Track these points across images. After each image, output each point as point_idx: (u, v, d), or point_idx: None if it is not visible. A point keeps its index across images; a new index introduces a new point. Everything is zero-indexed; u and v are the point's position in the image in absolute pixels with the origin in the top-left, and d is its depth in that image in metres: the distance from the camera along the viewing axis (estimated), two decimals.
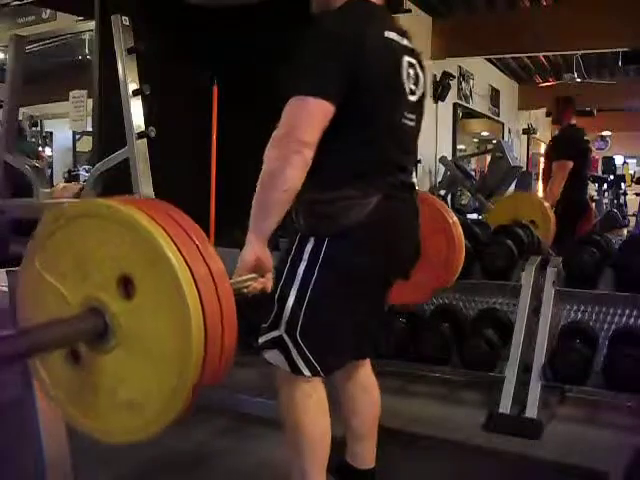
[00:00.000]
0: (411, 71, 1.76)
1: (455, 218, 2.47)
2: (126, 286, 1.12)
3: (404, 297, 2.32)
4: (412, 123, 1.79)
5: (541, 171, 4.49)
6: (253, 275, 1.58)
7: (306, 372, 1.69)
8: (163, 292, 1.08)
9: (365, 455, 2.05)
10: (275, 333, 1.70)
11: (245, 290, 1.55)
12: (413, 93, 1.77)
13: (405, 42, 1.77)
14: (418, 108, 1.81)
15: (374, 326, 1.93)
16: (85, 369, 1.18)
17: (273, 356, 1.71)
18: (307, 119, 1.56)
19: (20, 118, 4.30)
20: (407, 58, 1.75)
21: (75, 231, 1.18)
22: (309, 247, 1.67)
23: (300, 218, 1.69)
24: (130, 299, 1.12)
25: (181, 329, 1.06)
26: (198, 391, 1.09)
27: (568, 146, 4.54)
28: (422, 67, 1.83)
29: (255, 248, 1.58)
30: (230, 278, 1.32)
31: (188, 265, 1.08)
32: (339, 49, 1.61)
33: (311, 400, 1.74)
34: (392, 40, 1.71)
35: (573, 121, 4.70)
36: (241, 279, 1.55)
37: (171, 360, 1.08)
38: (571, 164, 4.39)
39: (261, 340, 1.73)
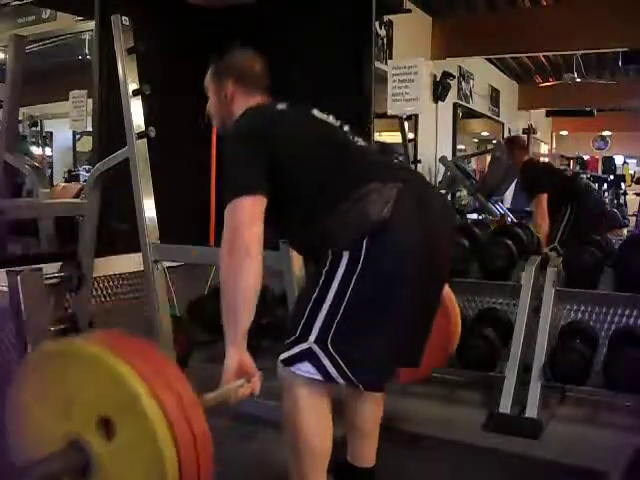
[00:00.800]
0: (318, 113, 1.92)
1: (451, 294, 2.49)
2: (107, 426, 1.14)
3: (403, 376, 2.35)
4: (353, 138, 1.89)
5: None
6: (240, 382, 1.59)
7: (340, 380, 1.67)
8: (140, 439, 1.11)
9: (366, 454, 2.06)
10: (304, 345, 1.67)
11: (235, 398, 1.57)
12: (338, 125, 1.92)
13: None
14: (348, 131, 1.93)
15: (419, 335, 1.86)
16: None
17: (302, 367, 1.67)
18: (242, 219, 1.65)
19: (20, 118, 4.29)
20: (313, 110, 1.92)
21: (58, 368, 1.22)
22: (345, 259, 1.65)
23: (332, 239, 1.67)
24: (111, 440, 1.14)
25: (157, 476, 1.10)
26: None
27: (534, 182, 4.53)
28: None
29: (235, 356, 1.61)
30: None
31: (165, 414, 1.11)
32: (249, 144, 1.75)
33: (314, 404, 1.73)
34: (287, 107, 1.90)
35: (525, 157, 4.79)
36: (228, 388, 1.57)
37: None
38: (545, 196, 4.38)
39: (287, 354, 1.70)
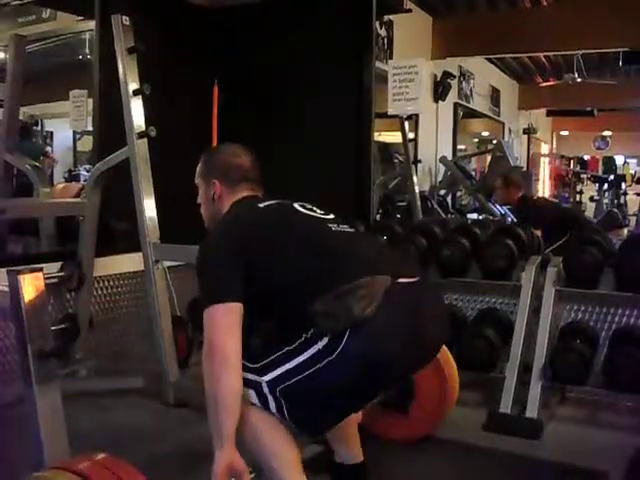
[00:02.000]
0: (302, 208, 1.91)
1: (448, 352, 2.52)
2: None
3: (403, 432, 2.52)
4: (339, 227, 1.88)
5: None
6: None
7: (277, 416, 1.71)
8: None
9: (352, 452, 2.09)
10: (257, 378, 1.71)
11: None
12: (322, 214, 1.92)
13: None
14: (334, 219, 1.92)
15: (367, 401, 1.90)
16: None
17: (249, 394, 1.71)
18: (219, 329, 1.68)
19: (20, 117, 4.29)
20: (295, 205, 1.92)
21: None
22: (324, 342, 1.64)
23: (314, 324, 1.66)
24: None
25: None
26: None
27: (528, 220, 4.54)
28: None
29: (224, 455, 1.64)
30: None
31: None
32: (224, 249, 1.78)
33: (267, 424, 1.73)
34: (268, 205, 1.91)
35: (520, 194, 4.81)
36: None
37: None
38: (538, 232, 4.39)
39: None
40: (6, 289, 1.82)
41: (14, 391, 2.79)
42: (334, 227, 1.87)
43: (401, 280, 1.72)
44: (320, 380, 1.65)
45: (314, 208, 1.94)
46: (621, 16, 5.61)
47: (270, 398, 1.70)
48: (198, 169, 2.12)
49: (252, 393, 1.71)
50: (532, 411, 2.83)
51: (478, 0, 6.39)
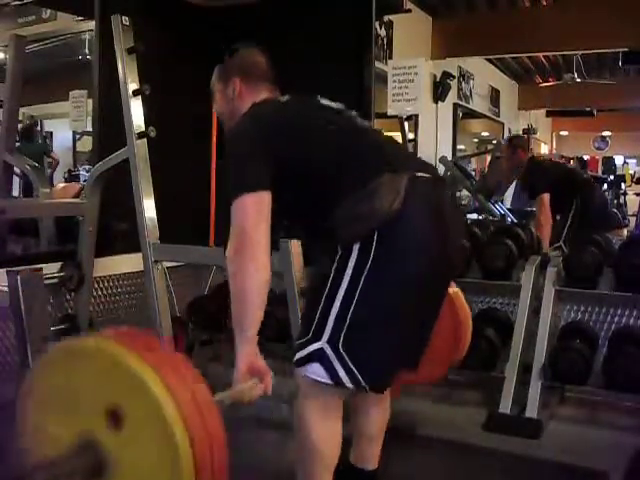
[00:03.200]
0: (325, 101, 1.91)
1: (456, 287, 2.48)
2: (115, 417, 1.13)
3: (417, 376, 2.37)
4: (365, 125, 1.89)
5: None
6: (252, 382, 1.58)
7: (349, 384, 1.65)
8: (149, 421, 1.09)
9: (370, 457, 2.05)
10: (316, 345, 1.65)
11: (248, 398, 1.55)
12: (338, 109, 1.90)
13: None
14: (356, 116, 1.91)
15: (423, 336, 1.85)
16: None
17: (314, 370, 1.65)
18: (250, 214, 1.64)
19: (20, 118, 4.29)
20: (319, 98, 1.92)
21: (63, 367, 1.21)
22: (354, 255, 1.62)
23: (341, 234, 1.65)
24: (119, 430, 1.12)
25: (171, 463, 1.07)
26: None
27: (536, 182, 4.54)
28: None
29: (246, 356, 1.61)
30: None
31: (172, 395, 1.09)
32: (252, 140, 1.74)
33: (325, 410, 1.72)
34: (292, 99, 1.92)
35: (526, 155, 4.77)
36: (240, 389, 1.56)
37: None
38: (547, 196, 4.38)
39: (300, 355, 1.68)
40: (6, 289, 1.83)
41: (14, 391, 2.79)
42: (358, 121, 1.86)
43: (419, 175, 1.71)
44: (367, 304, 1.61)
45: (337, 103, 1.92)
46: (621, 16, 5.61)
47: (336, 362, 1.62)
48: (214, 75, 2.07)
49: (317, 367, 1.64)
50: (532, 411, 2.83)
51: (478, 0, 6.40)
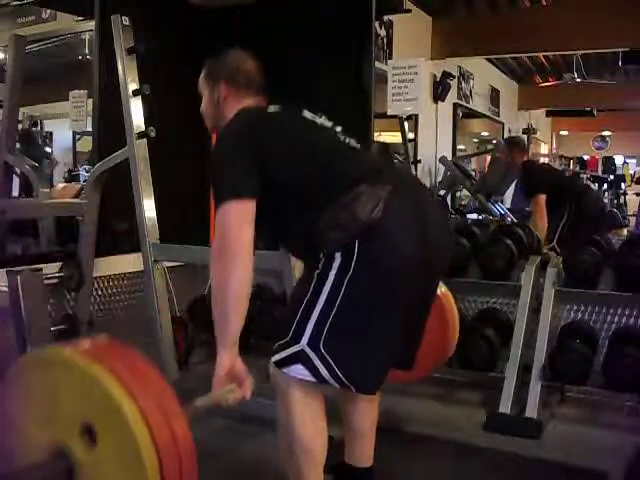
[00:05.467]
0: (310, 115, 1.92)
1: (450, 296, 2.49)
2: (90, 433, 1.15)
3: (402, 375, 2.39)
4: (346, 140, 1.89)
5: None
6: (231, 386, 1.60)
7: (333, 383, 1.67)
8: (121, 445, 1.12)
9: (363, 454, 2.06)
10: (296, 347, 1.66)
11: (226, 402, 1.57)
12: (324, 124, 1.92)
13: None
14: (340, 132, 1.92)
15: (413, 337, 1.87)
16: None
17: (297, 370, 1.67)
18: (233, 219, 1.66)
19: (20, 118, 4.29)
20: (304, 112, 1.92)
21: (43, 376, 1.22)
22: (337, 261, 1.64)
23: (323, 241, 1.66)
24: (94, 447, 1.15)
25: None
26: None
27: (533, 183, 4.56)
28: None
29: (226, 360, 1.62)
30: None
31: (145, 420, 1.12)
32: (238, 146, 1.75)
33: (309, 405, 1.74)
34: (277, 109, 1.91)
35: (524, 158, 4.81)
36: (218, 393, 1.58)
37: None
38: (544, 196, 4.40)
39: (279, 357, 1.70)
40: (6, 289, 1.83)
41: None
42: (341, 137, 1.88)
43: (400, 183, 1.73)
44: (350, 308, 1.63)
45: (322, 117, 1.94)
46: (620, 16, 5.61)
47: (318, 361, 1.64)
48: (202, 75, 2.09)
49: (301, 368, 1.66)
50: (532, 411, 2.83)
51: (478, 0, 6.39)
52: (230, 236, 1.64)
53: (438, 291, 2.28)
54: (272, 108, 1.93)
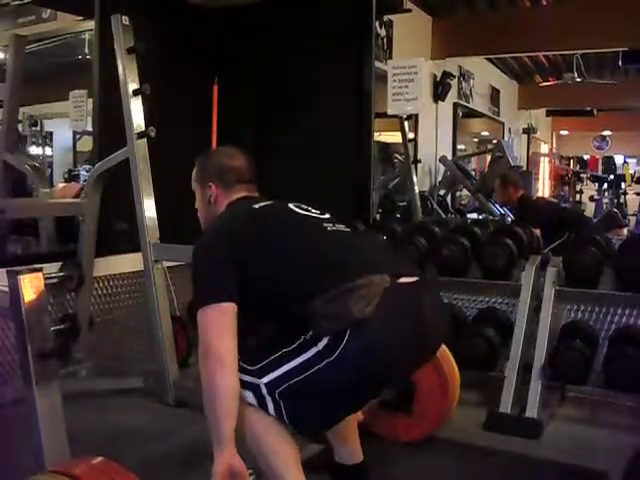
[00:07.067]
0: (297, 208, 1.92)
1: (443, 346, 2.49)
2: None
3: (409, 433, 2.52)
4: (335, 227, 1.90)
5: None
6: None
7: (274, 415, 1.71)
8: None
9: (350, 453, 2.09)
10: (255, 380, 1.71)
11: None
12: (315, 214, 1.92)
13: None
14: (330, 220, 1.93)
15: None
16: None
17: (246, 395, 1.71)
18: (212, 329, 1.70)
19: (20, 118, 4.29)
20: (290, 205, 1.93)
21: None
22: (324, 342, 1.63)
23: (312, 324, 1.64)
24: None
25: None
26: None
27: (527, 219, 4.56)
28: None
29: (223, 458, 1.63)
30: None
31: None
32: (218, 249, 1.77)
33: (268, 424, 1.74)
34: (263, 206, 1.91)
35: (519, 193, 4.80)
36: None
37: None
38: (537, 231, 4.41)
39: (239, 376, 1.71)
40: (6, 289, 1.82)
41: (14, 391, 2.79)
42: (330, 227, 1.88)
43: (401, 280, 1.72)
44: (320, 382, 1.65)
45: (309, 208, 1.94)
46: (621, 16, 5.60)
47: (269, 399, 1.70)
48: (194, 174, 2.12)
49: (250, 395, 1.71)
50: (532, 411, 2.83)
51: (478, 0, 6.39)
52: (211, 346, 1.68)
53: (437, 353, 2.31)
54: (259, 204, 1.92)
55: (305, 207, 1.94)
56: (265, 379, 1.70)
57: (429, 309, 1.76)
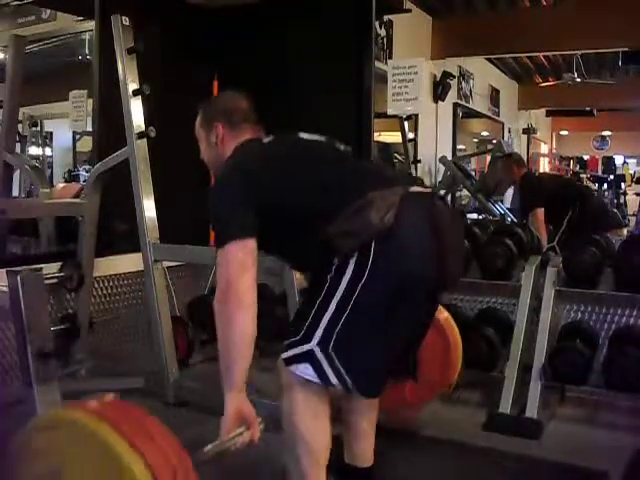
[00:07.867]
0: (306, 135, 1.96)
1: (446, 313, 2.51)
2: None
3: (405, 400, 2.45)
4: (343, 149, 1.94)
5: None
6: (240, 430, 1.60)
7: (338, 386, 1.68)
8: None
9: (364, 454, 2.07)
10: (306, 347, 1.67)
11: (234, 447, 1.58)
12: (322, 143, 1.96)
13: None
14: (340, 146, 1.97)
15: (413, 346, 1.91)
16: None
17: (303, 369, 1.68)
18: (233, 265, 1.67)
19: (20, 118, 4.29)
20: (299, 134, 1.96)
21: (48, 441, 1.22)
22: (351, 267, 1.64)
23: (336, 248, 1.66)
24: None
25: None
26: None
27: (530, 197, 4.62)
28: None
29: (234, 403, 1.63)
30: None
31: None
32: (233, 184, 1.77)
33: (312, 405, 1.74)
34: (273, 139, 1.95)
35: (522, 171, 4.85)
36: (228, 437, 1.58)
37: None
38: (541, 210, 4.42)
39: (288, 354, 1.71)
40: (6, 289, 1.83)
41: (14, 391, 2.78)
42: (341, 148, 1.93)
43: (414, 189, 1.76)
44: (362, 309, 1.64)
45: (319, 136, 1.97)
46: (621, 16, 5.60)
47: (326, 365, 1.65)
48: (198, 120, 2.12)
49: (309, 368, 1.67)
50: (532, 411, 2.83)
51: (478, 0, 6.39)
52: (231, 283, 1.65)
53: (440, 316, 2.29)
54: (268, 139, 1.96)
55: (315, 135, 1.97)
56: (314, 340, 1.66)
57: (446, 216, 1.78)
